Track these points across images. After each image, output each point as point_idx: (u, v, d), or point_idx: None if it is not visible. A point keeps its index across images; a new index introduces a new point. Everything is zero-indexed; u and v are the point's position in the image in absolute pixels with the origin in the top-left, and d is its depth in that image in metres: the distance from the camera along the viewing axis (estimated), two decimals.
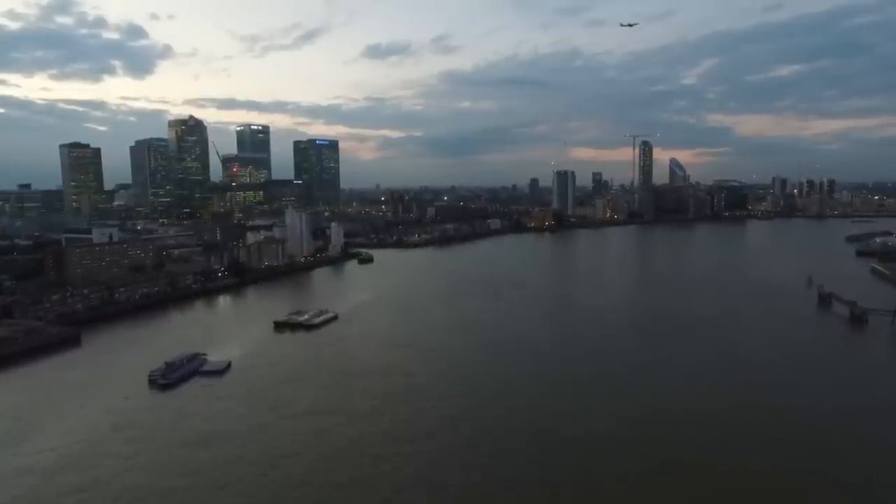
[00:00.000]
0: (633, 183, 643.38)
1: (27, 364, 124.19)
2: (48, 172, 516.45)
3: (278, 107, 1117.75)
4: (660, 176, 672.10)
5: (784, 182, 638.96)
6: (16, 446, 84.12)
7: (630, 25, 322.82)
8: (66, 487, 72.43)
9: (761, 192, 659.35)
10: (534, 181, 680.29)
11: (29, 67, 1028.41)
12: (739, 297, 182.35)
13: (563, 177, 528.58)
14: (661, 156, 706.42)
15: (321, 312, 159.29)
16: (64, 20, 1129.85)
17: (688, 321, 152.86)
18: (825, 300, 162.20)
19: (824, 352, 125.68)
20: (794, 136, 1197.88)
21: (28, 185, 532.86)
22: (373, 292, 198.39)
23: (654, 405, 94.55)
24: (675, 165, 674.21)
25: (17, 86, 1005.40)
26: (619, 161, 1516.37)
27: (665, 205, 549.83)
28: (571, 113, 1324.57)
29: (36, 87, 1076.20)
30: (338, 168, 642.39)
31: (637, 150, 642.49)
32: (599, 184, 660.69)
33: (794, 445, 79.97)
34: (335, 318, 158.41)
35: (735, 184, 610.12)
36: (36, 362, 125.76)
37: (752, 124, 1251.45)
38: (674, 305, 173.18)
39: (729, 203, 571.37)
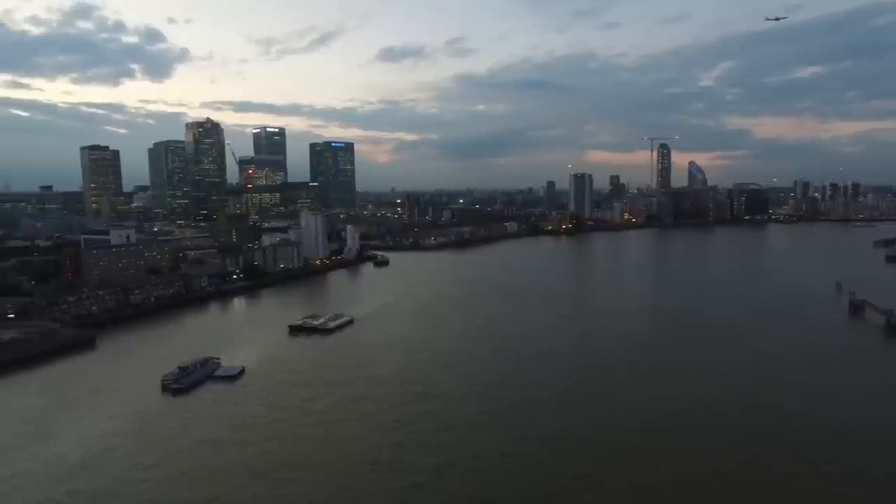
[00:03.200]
0: (650, 186, 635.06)
1: (42, 367, 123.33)
2: (69, 174, 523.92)
3: (293, 109, 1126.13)
4: (678, 179, 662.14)
5: (806, 185, 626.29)
6: (27, 450, 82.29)
7: (777, 20, 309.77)
8: (81, 495, 70.24)
9: (782, 195, 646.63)
10: (550, 184, 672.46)
11: (52, 72, 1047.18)
12: (765, 302, 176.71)
13: (581, 179, 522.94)
14: (679, 159, 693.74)
15: (337, 316, 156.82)
16: (85, 25, 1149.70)
17: (712, 327, 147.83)
18: (858, 308, 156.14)
19: (861, 360, 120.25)
20: (815, 138, 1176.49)
21: (49, 187, 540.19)
22: (389, 296, 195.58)
23: (678, 412, 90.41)
24: (694, 169, 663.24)
25: (41, 90, 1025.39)
26: (636, 164, 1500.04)
27: (684, 208, 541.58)
28: (587, 116, 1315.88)
29: (58, 91, 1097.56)
30: (353, 170, 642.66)
31: (655, 153, 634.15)
32: (617, 186, 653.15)
33: (823, 453, 75.50)
34: (351, 322, 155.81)
35: (755, 187, 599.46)
36: (51, 365, 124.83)
37: (771, 127, 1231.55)
38: (698, 311, 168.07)
39: (750, 206, 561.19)
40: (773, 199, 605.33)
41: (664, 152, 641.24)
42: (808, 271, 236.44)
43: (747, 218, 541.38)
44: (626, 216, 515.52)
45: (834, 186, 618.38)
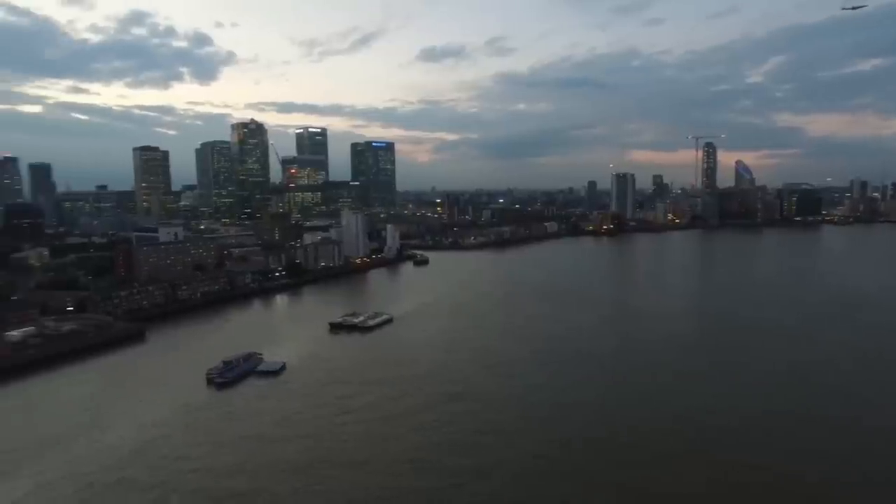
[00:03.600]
0: (695, 186, 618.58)
1: (96, 358, 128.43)
2: (123, 174, 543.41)
3: (335, 110, 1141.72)
4: (724, 179, 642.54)
5: (864, 185, 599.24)
6: (82, 438, 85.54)
7: (855, 8, 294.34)
8: (131, 484, 72.59)
9: (837, 195, 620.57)
10: (591, 184, 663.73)
11: (108, 77, 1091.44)
12: (816, 305, 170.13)
13: (623, 179, 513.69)
14: (725, 158, 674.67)
15: (376, 315, 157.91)
16: (139, 31, 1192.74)
17: (759, 329, 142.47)
18: None
19: None
20: (875, 135, 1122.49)
21: (104, 187, 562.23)
22: (428, 295, 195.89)
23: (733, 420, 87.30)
24: (741, 168, 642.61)
25: (98, 94, 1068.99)
26: (680, 164, 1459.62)
27: (730, 209, 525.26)
28: (629, 114, 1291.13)
29: (113, 95, 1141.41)
30: (394, 170, 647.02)
31: (700, 153, 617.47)
32: (660, 186, 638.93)
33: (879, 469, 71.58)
34: (390, 320, 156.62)
35: (807, 187, 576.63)
36: (104, 356, 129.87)
37: (824, 124, 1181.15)
38: (744, 313, 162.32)
39: (801, 207, 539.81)
40: (826, 199, 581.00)
41: (710, 151, 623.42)
42: (864, 274, 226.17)
43: (798, 219, 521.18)
44: (670, 217, 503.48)
45: (895, 186, 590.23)
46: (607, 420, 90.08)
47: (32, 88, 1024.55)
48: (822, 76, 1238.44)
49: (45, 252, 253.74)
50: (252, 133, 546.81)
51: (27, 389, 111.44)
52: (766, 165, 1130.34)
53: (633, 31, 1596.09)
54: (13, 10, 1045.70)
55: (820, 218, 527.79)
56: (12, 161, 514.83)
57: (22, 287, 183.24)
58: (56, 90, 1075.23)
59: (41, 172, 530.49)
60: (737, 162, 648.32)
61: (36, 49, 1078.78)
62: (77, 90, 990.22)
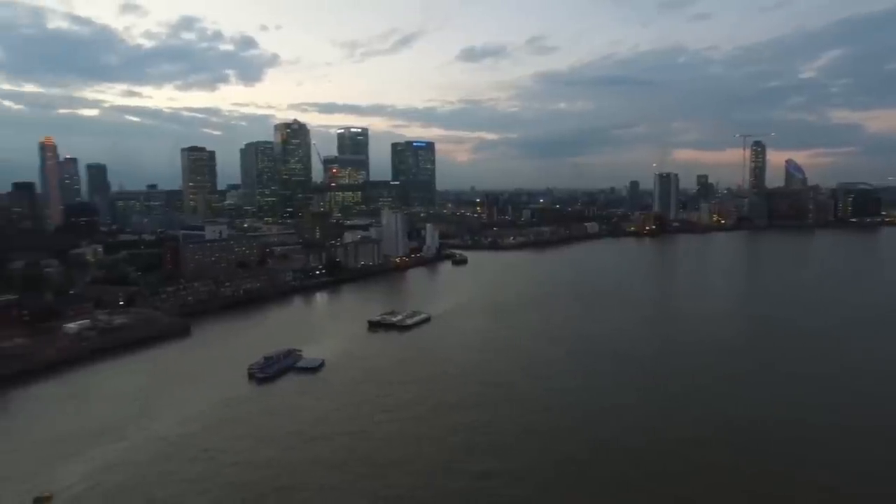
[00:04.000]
0: (741, 186, 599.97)
1: (144, 350, 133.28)
2: (171, 174, 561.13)
3: (376, 110, 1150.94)
4: (773, 179, 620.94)
5: None
6: (130, 428, 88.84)
7: None
8: (172, 477, 75.02)
9: None
10: (633, 184, 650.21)
11: (159, 80, 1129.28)
12: (868, 308, 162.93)
13: (666, 179, 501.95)
14: (775, 157, 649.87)
15: (414, 314, 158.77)
16: (188, 36, 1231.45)
17: (807, 335, 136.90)
18: None
19: None
20: None
21: (154, 186, 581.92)
22: (466, 295, 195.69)
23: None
24: (792, 167, 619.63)
25: (150, 97, 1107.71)
26: (726, 163, 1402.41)
27: (780, 209, 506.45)
28: (673, 113, 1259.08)
29: (164, 98, 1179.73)
30: (433, 169, 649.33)
31: (748, 152, 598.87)
32: (705, 186, 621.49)
33: None
34: (428, 319, 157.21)
35: (865, 186, 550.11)
36: (151, 349, 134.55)
37: (885, 120, 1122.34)
38: (791, 318, 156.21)
39: (857, 208, 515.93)
40: (886, 199, 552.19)
41: (758, 150, 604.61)
42: None
43: (854, 220, 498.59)
44: (715, 217, 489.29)
45: None
46: (648, 424, 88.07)
47: (91, 93, 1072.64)
48: (885, 70, 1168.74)
49: (100, 248, 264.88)
50: (295, 133, 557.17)
51: (81, 380, 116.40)
52: (820, 164, 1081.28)
53: (679, 27, 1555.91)
54: (76, 19, 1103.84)
55: (879, 219, 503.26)
56: (73, 162, 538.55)
57: (79, 282, 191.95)
58: (112, 94, 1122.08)
59: (97, 173, 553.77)
60: (787, 161, 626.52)
61: (95, 55, 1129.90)
62: (131, 94, 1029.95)
